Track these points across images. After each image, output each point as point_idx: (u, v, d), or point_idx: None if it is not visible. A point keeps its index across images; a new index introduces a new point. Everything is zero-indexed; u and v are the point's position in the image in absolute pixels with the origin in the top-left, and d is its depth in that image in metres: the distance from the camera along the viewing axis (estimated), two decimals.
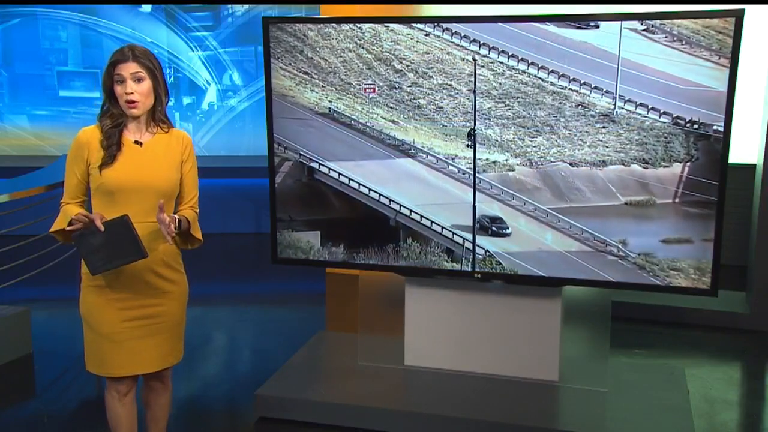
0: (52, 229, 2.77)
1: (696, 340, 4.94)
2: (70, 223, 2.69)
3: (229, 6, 8.13)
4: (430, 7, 5.93)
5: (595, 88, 3.45)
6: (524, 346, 3.83)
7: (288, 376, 3.97)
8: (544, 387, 3.78)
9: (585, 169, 3.52)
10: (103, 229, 2.61)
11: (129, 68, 2.67)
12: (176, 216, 2.80)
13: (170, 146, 2.83)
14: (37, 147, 8.30)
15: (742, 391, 4.29)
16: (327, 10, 6.13)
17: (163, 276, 2.82)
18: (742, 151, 5.73)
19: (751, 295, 5.15)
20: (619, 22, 3.37)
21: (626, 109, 3.42)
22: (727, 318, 5.14)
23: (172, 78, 8.24)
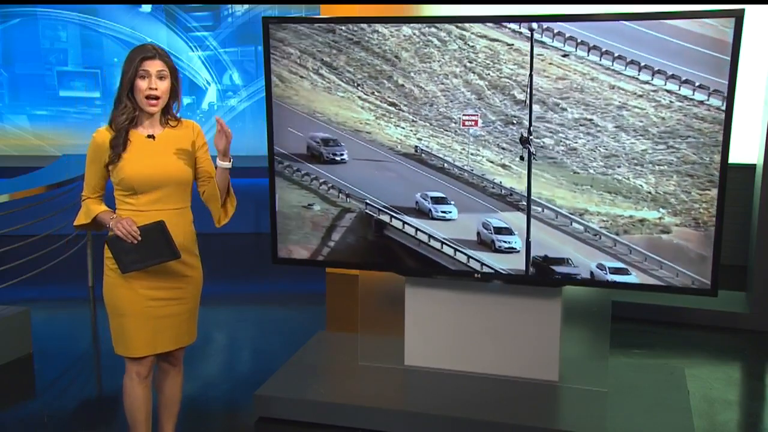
0: (76, 223, 2.94)
1: (696, 340, 4.94)
2: (91, 220, 2.86)
3: (229, 6, 8.13)
4: (430, 7, 5.92)
5: None
6: (524, 346, 3.83)
7: (288, 376, 3.97)
8: (544, 387, 3.78)
9: None
10: (139, 236, 2.76)
11: (156, 65, 2.83)
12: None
13: (181, 138, 2.98)
14: (37, 147, 8.30)
15: (742, 391, 4.29)
16: (327, 10, 6.13)
17: (183, 261, 2.94)
18: (742, 151, 5.73)
19: (751, 295, 5.14)
20: None
21: None
22: (727, 318, 5.14)
23: None
